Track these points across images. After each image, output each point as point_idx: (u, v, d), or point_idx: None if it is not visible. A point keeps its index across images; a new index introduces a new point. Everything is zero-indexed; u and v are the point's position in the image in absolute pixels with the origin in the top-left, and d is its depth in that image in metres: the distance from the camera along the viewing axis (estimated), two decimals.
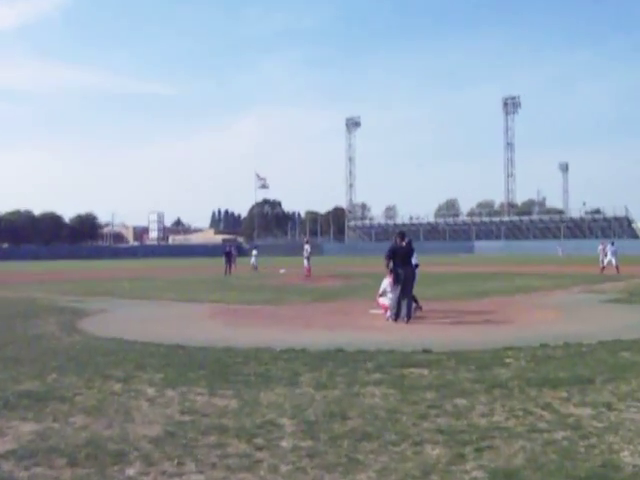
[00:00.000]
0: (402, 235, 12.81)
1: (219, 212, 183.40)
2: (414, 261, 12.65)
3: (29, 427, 5.21)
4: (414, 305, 12.81)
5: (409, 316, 11.96)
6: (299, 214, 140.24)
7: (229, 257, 33.96)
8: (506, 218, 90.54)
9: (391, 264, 12.30)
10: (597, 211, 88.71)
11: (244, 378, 6.87)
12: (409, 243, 12.73)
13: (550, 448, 4.55)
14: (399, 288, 12.10)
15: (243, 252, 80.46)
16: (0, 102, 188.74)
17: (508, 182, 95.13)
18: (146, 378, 6.97)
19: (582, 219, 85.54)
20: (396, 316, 11.97)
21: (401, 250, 12.41)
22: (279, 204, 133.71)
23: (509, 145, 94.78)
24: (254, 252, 39.14)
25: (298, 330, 11.08)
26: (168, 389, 6.46)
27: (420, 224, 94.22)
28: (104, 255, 77.75)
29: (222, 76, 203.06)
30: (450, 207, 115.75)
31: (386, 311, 12.47)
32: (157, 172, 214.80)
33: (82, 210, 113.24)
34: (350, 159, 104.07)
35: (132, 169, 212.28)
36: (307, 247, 30.58)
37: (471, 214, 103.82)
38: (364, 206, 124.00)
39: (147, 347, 9.08)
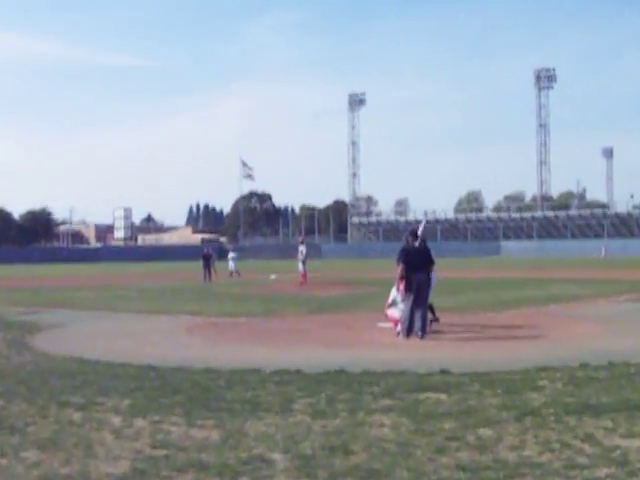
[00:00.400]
0: (415, 234, 12.83)
1: (197, 207, 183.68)
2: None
3: None
4: (430, 317, 12.81)
5: (424, 330, 11.97)
6: (292, 209, 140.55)
7: (208, 261, 34.01)
8: (539, 213, 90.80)
9: (404, 269, 12.29)
10: None
11: (227, 405, 6.87)
12: (424, 243, 12.75)
13: None
14: (412, 297, 12.12)
15: (225, 254, 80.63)
16: None
17: (541, 171, 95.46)
18: (111, 405, 6.96)
19: (629, 214, 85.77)
20: (408, 330, 11.97)
21: (414, 252, 12.42)
22: (269, 197, 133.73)
23: (542, 127, 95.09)
24: (231, 255, 39.27)
25: (292, 347, 11.07)
26: (137, 418, 6.45)
27: (437, 221, 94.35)
28: (61, 258, 77.75)
29: (200, 46, 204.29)
30: (472, 201, 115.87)
31: (396, 324, 12.47)
32: (124, 160, 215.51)
33: (34, 205, 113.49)
34: (353, 143, 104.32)
35: (94, 156, 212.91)
36: (302, 248, 30.60)
37: (497, 209, 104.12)
38: (370, 199, 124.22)
39: (112, 368, 9.07)
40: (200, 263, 35.42)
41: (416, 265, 12.29)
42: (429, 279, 12.46)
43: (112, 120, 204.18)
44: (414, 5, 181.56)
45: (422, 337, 11.84)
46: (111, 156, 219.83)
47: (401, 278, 12.36)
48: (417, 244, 12.59)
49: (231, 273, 36.95)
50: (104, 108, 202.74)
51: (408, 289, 12.21)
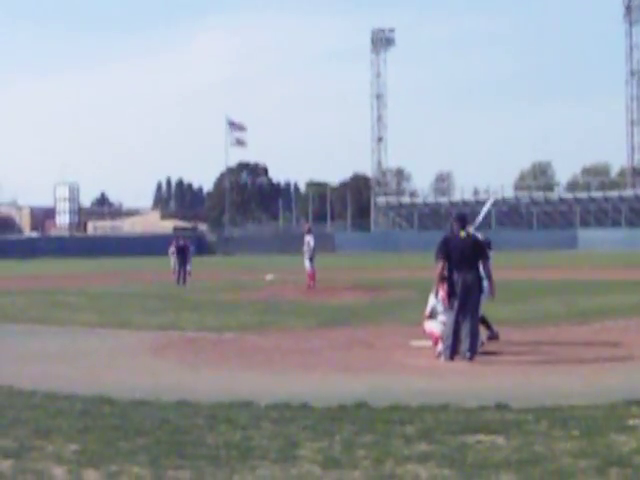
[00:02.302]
0: (462, 220, 12.81)
1: (168, 184, 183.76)
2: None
3: None
4: (483, 333, 12.79)
5: (473, 351, 11.99)
6: (296, 187, 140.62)
7: (184, 256, 34.00)
8: (629, 192, 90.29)
9: (445, 267, 12.31)
10: None
11: (208, 451, 6.89)
12: (475, 234, 12.74)
13: None
14: (456, 305, 12.13)
15: (205, 247, 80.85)
16: None
17: (632, 134, 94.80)
18: (52, 451, 6.98)
19: None
20: (452, 351, 11.99)
21: (460, 244, 12.42)
22: (264, 171, 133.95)
23: (634, 75, 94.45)
24: (171, 248, 37.95)
25: (295, 373, 11.09)
26: (87, 469, 6.47)
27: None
28: None
29: None
30: (539, 175, 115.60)
31: (436, 343, 12.50)
32: (68, 120, 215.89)
33: None
34: (378, 97, 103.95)
35: (27, 115, 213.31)
36: (309, 239, 30.55)
37: (573, 186, 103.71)
38: (401, 174, 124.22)
39: (53, 401, 9.10)
40: (171, 260, 35.45)
41: (462, 261, 12.29)
42: (480, 282, 12.45)
43: (51, 66, 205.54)
44: None
45: (471, 359, 11.85)
46: (51, 115, 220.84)
47: (441, 280, 12.37)
48: (465, 233, 12.56)
49: (186, 273, 36.12)
50: (40, 50, 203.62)
51: (451, 295, 12.22)
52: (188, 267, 33.57)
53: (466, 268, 12.28)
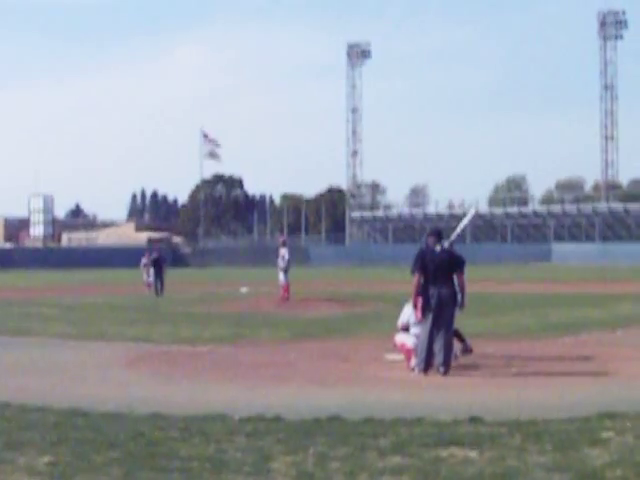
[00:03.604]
0: (438, 234, 12.84)
1: (143, 195, 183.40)
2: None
3: None
4: (457, 347, 12.82)
5: (447, 364, 11.99)
6: (271, 199, 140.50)
7: (160, 268, 33.94)
8: (603, 206, 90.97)
9: (421, 281, 12.32)
10: None
11: (182, 464, 6.85)
12: (450, 247, 12.78)
13: None
14: (430, 319, 12.13)
15: (180, 259, 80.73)
16: None
17: (607, 149, 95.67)
18: (24, 463, 6.92)
19: None
20: (426, 364, 12.00)
21: (436, 258, 12.44)
22: (239, 183, 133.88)
23: (608, 89, 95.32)
24: (143, 260, 38.30)
25: (269, 386, 11.06)
26: None
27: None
28: None
29: None
30: (514, 189, 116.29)
31: (410, 356, 12.49)
32: (43, 131, 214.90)
33: None
34: (354, 111, 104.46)
35: (1, 126, 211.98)
36: (284, 252, 30.56)
37: (547, 200, 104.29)
38: (376, 187, 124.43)
39: (26, 413, 9.03)
40: (143, 272, 35.36)
41: (438, 275, 12.31)
42: (454, 296, 12.46)
43: (25, 75, 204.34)
44: None
45: (445, 373, 11.86)
46: (25, 125, 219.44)
47: (417, 293, 12.38)
48: (440, 247, 12.57)
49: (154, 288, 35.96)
50: (14, 59, 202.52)
51: (426, 308, 12.23)
52: (163, 278, 33.56)
53: (441, 282, 12.31)
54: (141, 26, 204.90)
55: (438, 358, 11.99)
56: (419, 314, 12.33)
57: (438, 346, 12.02)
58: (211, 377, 11.95)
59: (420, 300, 12.33)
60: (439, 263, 12.41)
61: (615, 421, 8.30)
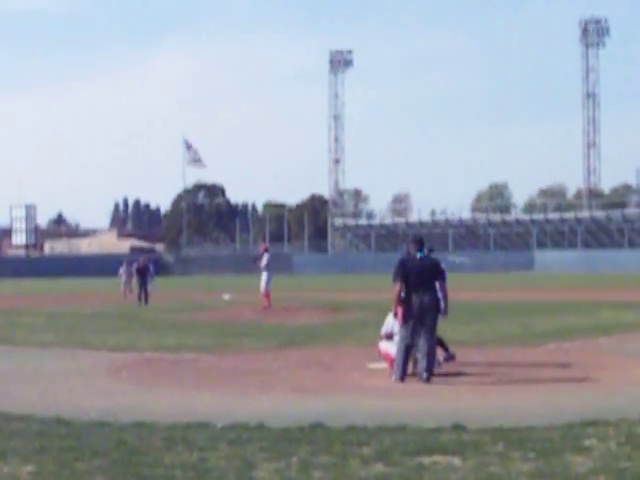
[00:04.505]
0: (419, 242, 12.85)
1: (125, 204, 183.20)
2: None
3: None
4: (441, 354, 12.84)
5: (429, 371, 11.99)
6: (254, 207, 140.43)
7: (144, 277, 33.90)
8: (585, 214, 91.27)
9: (403, 289, 12.33)
10: None
11: (165, 472, 6.83)
12: (430, 255, 12.80)
13: None
14: (409, 326, 12.15)
15: (163, 268, 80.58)
16: None
17: (589, 157, 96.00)
18: (7, 472, 6.90)
19: None
20: (402, 371, 12.00)
21: (417, 266, 12.47)
22: (222, 191, 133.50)
23: (590, 97, 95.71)
24: (121, 268, 38.99)
25: (252, 394, 11.04)
26: None
27: (449, 224, 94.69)
28: None
29: None
30: (496, 197, 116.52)
31: (392, 364, 12.49)
32: (25, 140, 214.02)
33: None
34: (336, 118, 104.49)
35: None
36: (265, 258, 30.53)
37: (530, 208, 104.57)
38: (358, 195, 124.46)
39: (8, 422, 8.99)
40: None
41: (419, 283, 12.31)
42: (436, 303, 12.47)
43: (6, 85, 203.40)
44: None
45: (428, 380, 11.84)
46: (7, 134, 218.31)
47: (399, 301, 12.39)
48: (421, 255, 12.58)
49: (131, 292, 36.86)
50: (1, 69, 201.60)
51: (407, 316, 12.23)
52: (149, 287, 33.56)
53: (423, 289, 12.30)
54: (122, 34, 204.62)
55: (421, 365, 11.99)
56: (400, 322, 12.35)
57: (421, 353, 12.03)
58: (194, 385, 11.90)
59: (401, 308, 12.35)
60: (421, 271, 12.41)
61: (598, 428, 8.32)
